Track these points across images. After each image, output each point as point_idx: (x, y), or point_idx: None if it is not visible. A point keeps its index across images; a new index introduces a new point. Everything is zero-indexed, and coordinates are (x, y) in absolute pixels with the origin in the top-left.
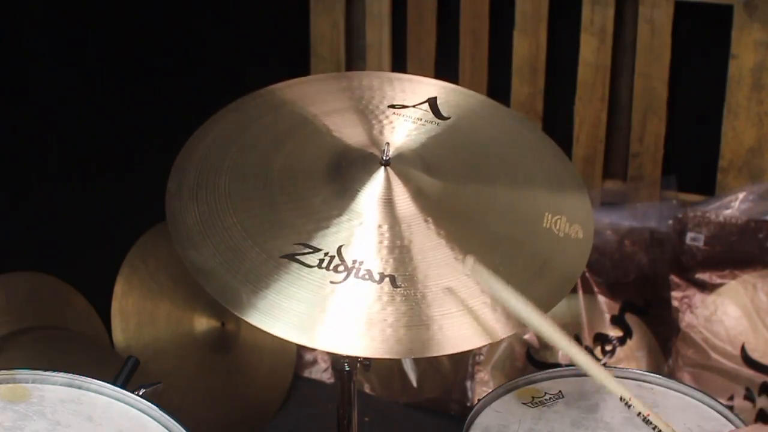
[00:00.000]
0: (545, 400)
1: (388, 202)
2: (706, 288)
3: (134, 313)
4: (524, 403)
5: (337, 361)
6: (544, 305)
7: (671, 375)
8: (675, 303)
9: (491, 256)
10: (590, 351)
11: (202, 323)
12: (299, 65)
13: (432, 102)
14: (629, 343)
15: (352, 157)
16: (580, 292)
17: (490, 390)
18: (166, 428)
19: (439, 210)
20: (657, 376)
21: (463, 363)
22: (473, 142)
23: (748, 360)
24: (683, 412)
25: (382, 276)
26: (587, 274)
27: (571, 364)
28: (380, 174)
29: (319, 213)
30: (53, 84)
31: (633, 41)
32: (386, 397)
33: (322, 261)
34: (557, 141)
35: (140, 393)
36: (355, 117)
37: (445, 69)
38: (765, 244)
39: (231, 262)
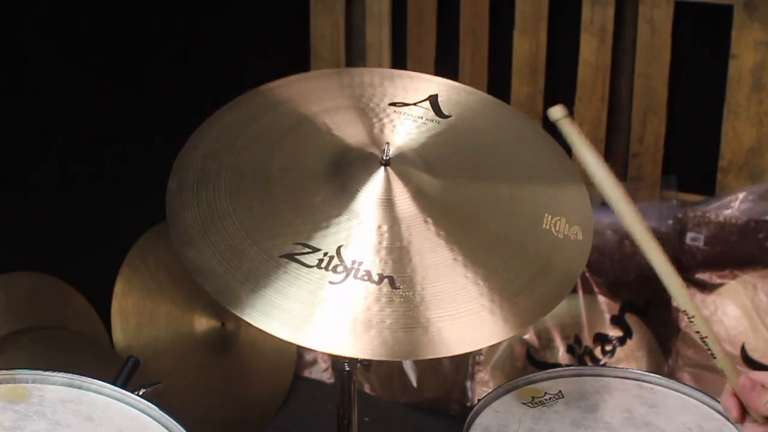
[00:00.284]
0: (545, 400)
1: (388, 203)
2: (706, 288)
3: (134, 313)
4: (524, 403)
5: (337, 361)
6: (543, 306)
7: (671, 375)
8: (675, 303)
9: (491, 257)
10: (590, 351)
11: (202, 323)
12: (299, 65)
13: (433, 99)
14: (629, 343)
15: (352, 157)
16: (580, 292)
17: (490, 390)
18: (166, 428)
19: (438, 210)
20: (657, 376)
21: (463, 363)
22: (474, 141)
23: (748, 360)
24: (683, 412)
25: (381, 277)
26: (587, 274)
27: (570, 364)
28: (380, 174)
29: (318, 213)
30: (53, 83)
31: (633, 41)
32: (386, 397)
33: (321, 261)
34: (557, 141)
35: (140, 393)
36: (355, 115)
37: (445, 69)
38: (765, 244)
39: (230, 262)
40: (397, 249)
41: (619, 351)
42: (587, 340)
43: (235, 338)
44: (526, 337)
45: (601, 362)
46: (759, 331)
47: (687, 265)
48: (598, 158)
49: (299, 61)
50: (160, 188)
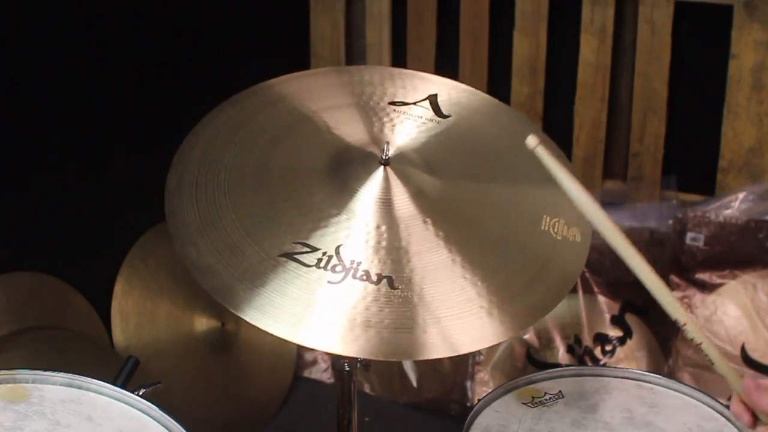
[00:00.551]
0: (545, 400)
1: (387, 203)
2: (706, 288)
3: (134, 313)
4: (524, 403)
5: (337, 361)
6: (542, 307)
7: (671, 375)
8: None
9: (490, 258)
10: (590, 351)
11: (202, 323)
12: (299, 65)
13: (433, 99)
14: (629, 343)
15: (352, 156)
16: (580, 292)
17: (490, 390)
18: (166, 428)
19: (438, 211)
20: (657, 376)
21: (463, 363)
22: (473, 141)
23: (748, 360)
24: (683, 412)
25: (380, 277)
26: (587, 274)
27: (570, 364)
28: (379, 174)
29: (318, 212)
30: (52, 82)
31: (633, 41)
32: (386, 397)
33: (320, 261)
34: (557, 141)
35: (140, 393)
36: (355, 113)
37: (445, 69)
38: (765, 244)
39: (229, 260)
40: (396, 249)
41: (619, 351)
42: (587, 340)
43: (235, 338)
44: (526, 337)
45: (601, 362)
46: (759, 331)
47: (687, 265)
48: (577, 182)
49: (299, 61)
50: (160, 188)
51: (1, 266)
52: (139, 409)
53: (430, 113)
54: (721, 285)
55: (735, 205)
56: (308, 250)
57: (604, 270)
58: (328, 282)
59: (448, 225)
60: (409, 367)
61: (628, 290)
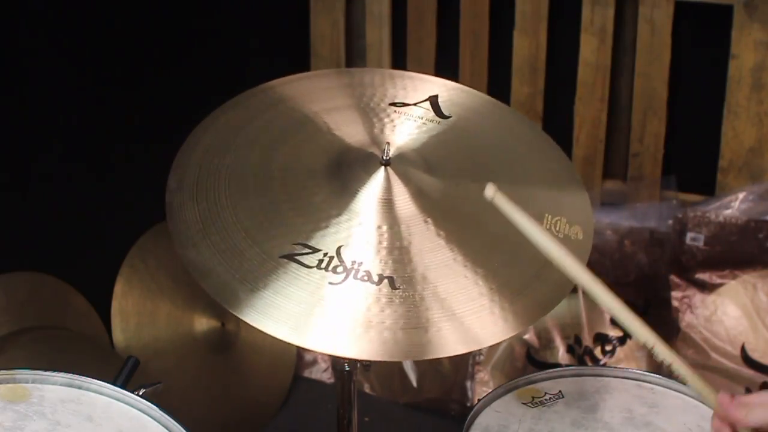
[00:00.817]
0: (545, 400)
1: (388, 203)
2: (706, 288)
3: (134, 313)
4: (524, 403)
5: (337, 361)
6: (543, 306)
7: (671, 375)
8: (675, 303)
9: (491, 257)
10: (590, 351)
11: (202, 323)
12: (299, 65)
13: (433, 100)
14: (629, 343)
15: (353, 157)
16: (580, 292)
17: (490, 390)
18: (166, 428)
19: (438, 211)
20: (657, 376)
21: (463, 363)
22: (474, 142)
23: (748, 360)
24: (683, 412)
25: (381, 277)
26: None
27: (570, 364)
28: (380, 174)
29: (318, 213)
30: (53, 83)
31: (633, 41)
32: (386, 397)
33: (321, 261)
34: (557, 141)
35: (140, 393)
36: (355, 114)
37: (445, 69)
38: (765, 244)
39: (230, 262)
40: (397, 249)
41: (619, 351)
42: (587, 340)
43: (235, 338)
44: (526, 337)
45: (601, 362)
46: (759, 331)
47: (687, 265)
48: (536, 224)
49: (299, 61)
50: (160, 188)
51: (1, 266)
52: (139, 409)
53: (431, 114)
54: (721, 285)
55: (735, 205)
56: (309, 251)
57: (604, 270)
58: (330, 283)
59: (449, 224)
60: (409, 367)
61: (628, 290)
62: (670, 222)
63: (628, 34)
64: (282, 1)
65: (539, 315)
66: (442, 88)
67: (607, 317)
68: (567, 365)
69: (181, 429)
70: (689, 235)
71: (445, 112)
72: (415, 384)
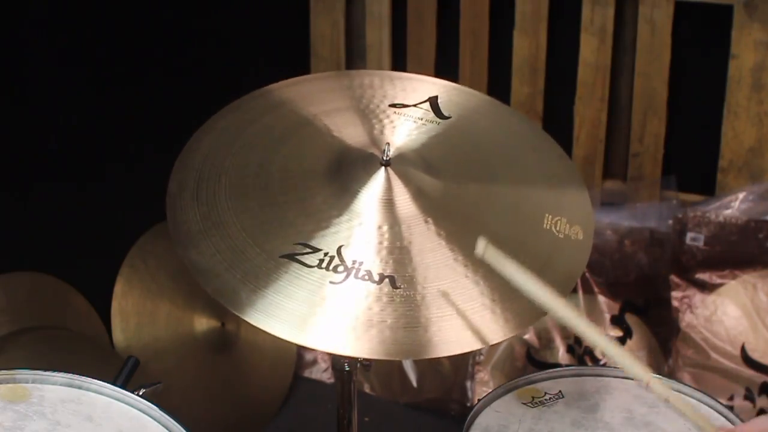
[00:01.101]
0: (545, 400)
1: (389, 203)
2: (706, 288)
3: (134, 313)
4: (524, 403)
5: (337, 361)
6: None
7: (671, 375)
8: (675, 303)
9: None
10: (590, 351)
11: (202, 323)
12: (299, 65)
13: (433, 101)
14: (629, 343)
15: (353, 157)
16: (580, 292)
17: (490, 390)
18: (166, 428)
19: (439, 210)
20: (657, 376)
21: (463, 363)
22: (474, 142)
23: (748, 360)
24: None
25: (382, 277)
26: (587, 274)
27: (570, 364)
28: (380, 174)
29: (319, 213)
30: (53, 84)
31: (633, 41)
32: (386, 397)
33: (321, 261)
34: (557, 141)
35: (140, 393)
36: (355, 116)
37: (445, 69)
38: (765, 244)
39: (231, 262)
40: (398, 249)
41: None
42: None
43: (235, 338)
44: (526, 337)
45: (601, 362)
46: (759, 331)
47: (687, 265)
48: (528, 276)
49: (299, 61)
50: (161, 188)
51: (1, 266)
52: (139, 409)
53: (431, 114)
54: (721, 285)
55: (735, 205)
56: (310, 250)
57: (604, 270)
58: (330, 282)
59: (450, 224)
60: (409, 367)
61: (628, 290)
62: (670, 222)
63: (628, 34)
64: (282, 1)
65: (538, 316)
66: (442, 88)
67: (607, 317)
68: (567, 365)
69: (181, 429)
70: (689, 235)
71: (445, 113)
72: (415, 384)
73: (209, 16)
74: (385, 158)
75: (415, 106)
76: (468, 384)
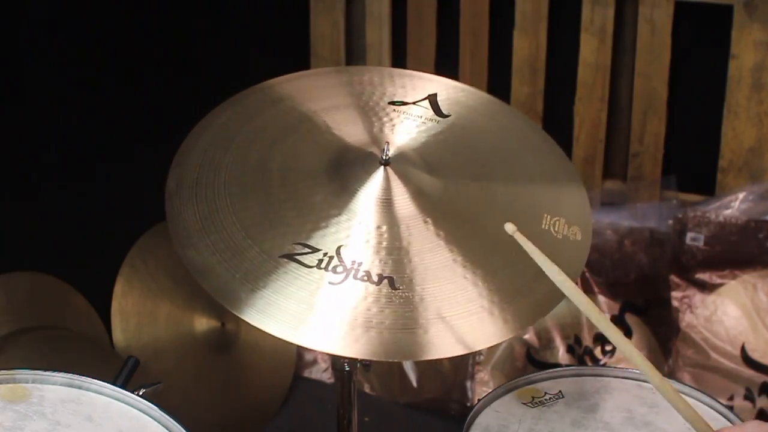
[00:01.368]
0: (545, 400)
1: (388, 203)
2: (706, 288)
3: (134, 313)
4: (524, 403)
5: (337, 361)
6: (543, 307)
7: (671, 375)
8: (675, 303)
9: (491, 257)
10: (590, 351)
11: (202, 323)
12: (299, 65)
13: (432, 99)
14: None
15: (352, 156)
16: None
17: (490, 390)
18: (166, 428)
19: (438, 211)
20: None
21: (463, 363)
22: (473, 141)
23: (748, 360)
24: None
25: (381, 277)
26: (587, 274)
27: (570, 364)
28: (380, 174)
29: (318, 212)
30: (52, 83)
31: (633, 41)
32: (386, 397)
33: (321, 261)
34: (557, 141)
35: (140, 393)
36: (355, 114)
37: (445, 69)
38: (765, 244)
39: (230, 261)
40: (397, 249)
41: (619, 351)
42: (587, 340)
43: (235, 338)
44: (526, 337)
45: (601, 362)
46: (759, 331)
47: (687, 265)
48: (554, 266)
49: (299, 61)
50: (160, 188)
51: (1, 266)
52: (139, 409)
53: (430, 113)
54: (721, 285)
55: (735, 205)
56: (309, 250)
57: (604, 270)
58: (329, 283)
59: (449, 225)
60: (409, 367)
61: (628, 290)
62: (670, 222)
63: (628, 34)
64: (282, 1)
65: (539, 316)
66: (442, 86)
67: (608, 317)
68: (567, 365)
69: (181, 429)
70: (689, 235)
71: (445, 111)
72: (415, 384)
73: (209, 16)
74: (384, 157)
75: (414, 104)
76: (468, 384)
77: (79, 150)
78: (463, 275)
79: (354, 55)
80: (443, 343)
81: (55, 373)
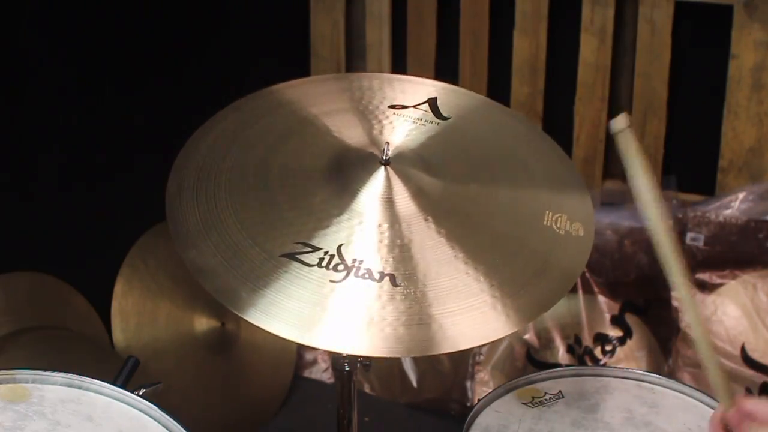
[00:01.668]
0: (545, 400)
1: (388, 201)
2: (706, 288)
3: (134, 313)
4: (524, 403)
5: (337, 361)
6: (545, 302)
7: (671, 375)
8: (675, 303)
9: (492, 253)
10: (590, 351)
11: (202, 323)
12: (299, 65)
13: (432, 102)
14: (629, 343)
15: (352, 157)
16: (580, 292)
17: (490, 390)
18: (166, 428)
19: (439, 209)
20: (657, 376)
21: (463, 363)
22: (473, 142)
23: (748, 360)
24: (683, 412)
25: (382, 275)
26: (587, 274)
27: (570, 364)
28: (380, 173)
29: (319, 212)
30: (53, 84)
31: (633, 41)
32: (386, 397)
33: (322, 260)
34: (557, 141)
35: (140, 393)
36: (355, 117)
37: (445, 69)
38: (765, 244)
39: (231, 262)
40: (398, 247)
41: (619, 351)
42: (587, 340)
43: (235, 338)
44: (526, 337)
45: (601, 362)
46: (759, 331)
47: (687, 265)
48: (650, 180)
49: (299, 61)
50: (161, 188)
51: (1, 266)
52: (139, 409)
53: (430, 115)
54: (721, 285)
55: (735, 205)
56: (310, 249)
57: (604, 270)
58: (331, 281)
59: (450, 222)
60: (409, 367)
61: (628, 290)
62: (670, 222)
63: (628, 34)
64: (282, 1)
65: (540, 312)
66: (441, 90)
67: (607, 317)
68: (567, 365)
69: (181, 429)
70: (689, 235)
71: (444, 114)
72: (415, 384)
73: (209, 17)
74: (384, 157)
75: (414, 107)
76: (468, 384)
77: (80, 150)
78: (464, 271)
79: (354, 55)
80: (445, 338)
81: (55, 373)
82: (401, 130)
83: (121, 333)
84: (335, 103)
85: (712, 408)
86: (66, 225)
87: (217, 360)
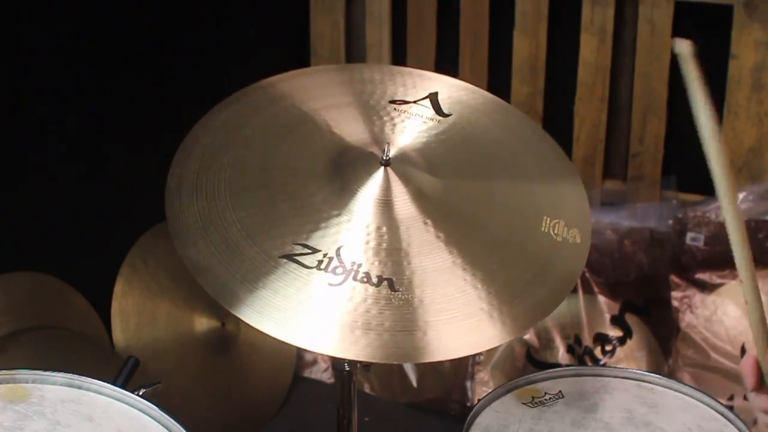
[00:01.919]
0: (545, 400)
1: (388, 204)
2: (706, 288)
3: (134, 313)
4: (524, 403)
5: (337, 361)
6: (542, 309)
7: (671, 375)
8: (675, 303)
9: (490, 259)
10: (590, 351)
11: (202, 323)
12: (299, 65)
13: (433, 98)
14: (629, 343)
15: (352, 156)
16: (580, 292)
17: (490, 390)
18: (166, 428)
19: (438, 212)
20: (657, 376)
21: (463, 363)
22: (474, 141)
23: None
24: (683, 412)
25: (381, 279)
26: (587, 274)
27: (570, 364)
28: (380, 174)
29: (318, 213)
30: (51, 81)
31: (633, 41)
32: (386, 397)
33: (320, 262)
34: (557, 141)
35: (140, 393)
36: (355, 112)
37: (445, 69)
38: (765, 244)
39: (230, 261)
40: (397, 251)
41: (619, 351)
42: (587, 340)
43: (235, 338)
44: (526, 337)
45: (601, 362)
46: None
47: (687, 265)
48: (710, 108)
49: (299, 61)
50: (160, 187)
51: (1, 266)
52: (139, 409)
53: (431, 112)
54: (721, 285)
55: None
56: (309, 251)
57: (604, 270)
58: (329, 284)
59: (449, 226)
60: (409, 367)
61: (628, 290)
62: (670, 222)
63: (628, 34)
64: (282, 1)
65: (538, 318)
66: (443, 85)
67: (607, 317)
68: (567, 365)
69: (181, 429)
70: (689, 235)
71: (446, 110)
72: (415, 384)
73: (209, 17)
74: (384, 158)
75: (415, 102)
76: (468, 384)
77: (79, 149)
78: (462, 277)
79: (354, 55)
80: (442, 345)
81: (55, 373)
82: (402, 128)
83: (121, 333)
84: (335, 97)
85: (712, 408)
86: (66, 225)
87: (217, 360)
